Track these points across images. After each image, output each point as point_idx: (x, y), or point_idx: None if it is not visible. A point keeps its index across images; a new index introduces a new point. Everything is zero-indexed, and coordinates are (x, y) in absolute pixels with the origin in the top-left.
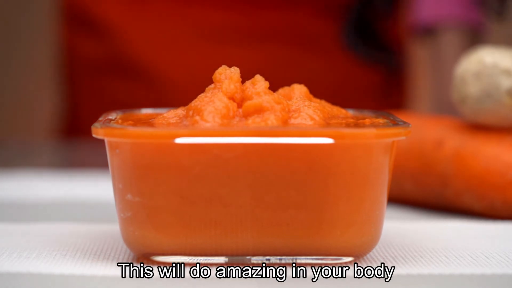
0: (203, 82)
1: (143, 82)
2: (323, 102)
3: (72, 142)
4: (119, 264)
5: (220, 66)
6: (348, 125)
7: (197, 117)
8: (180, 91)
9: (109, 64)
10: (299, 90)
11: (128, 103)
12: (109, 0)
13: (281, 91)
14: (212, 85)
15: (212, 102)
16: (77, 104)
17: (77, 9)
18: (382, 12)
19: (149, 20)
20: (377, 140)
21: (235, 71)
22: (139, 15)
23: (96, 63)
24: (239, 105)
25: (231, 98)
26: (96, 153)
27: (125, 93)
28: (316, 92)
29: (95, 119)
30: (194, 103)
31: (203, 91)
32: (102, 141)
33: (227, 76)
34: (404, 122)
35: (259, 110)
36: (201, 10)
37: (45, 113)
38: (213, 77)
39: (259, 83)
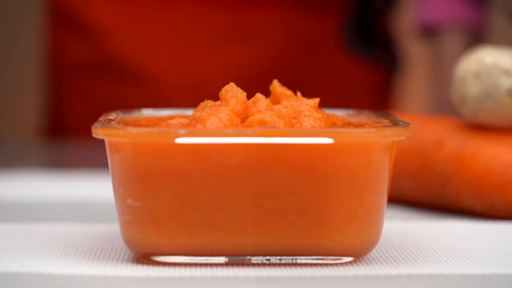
0: (193, 82)
1: (132, 83)
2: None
3: (62, 142)
4: (119, 264)
5: (212, 66)
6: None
7: (199, 126)
8: (170, 92)
9: (98, 65)
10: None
11: (117, 104)
12: (98, 0)
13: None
14: (218, 102)
15: (216, 113)
16: (65, 105)
17: (65, 10)
18: (380, 9)
19: (138, 20)
20: (377, 140)
21: (241, 91)
22: (128, 16)
23: (84, 64)
24: (242, 121)
25: (236, 115)
26: (91, 154)
27: (114, 94)
28: (314, 91)
29: (83, 119)
30: (198, 114)
31: (193, 91)
32: (95, 142)
33: (234, 95)
34: (404, 122)
35: (262, 124)
36: (191, 9)
37: (33, 114)
38: (220, 94)
39: (260, 101)
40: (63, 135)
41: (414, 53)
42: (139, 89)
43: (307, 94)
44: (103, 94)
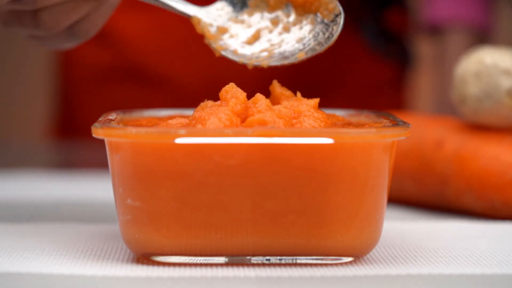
0: (212, 88)
1: (149, 88)
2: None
3: (70, 143)
4: (119, 264)
5: (232, 71)
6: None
7: (199, 126)
8: (188, 97)
9: (113, 70)
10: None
11: (130, 107)
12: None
13: (286, 103)
14: (218, 102)
15: (216, 113)
16: (80, 109)
17: None
18: (393, 5)
19: (156, 26)
20: (377, 141)
21: (241, 92)
22: (145, 21)
23: (100, 68)
24: (242, 121)
25: (236, 115)
26: (95, 154)
27: (130, 99)
28: (329, 89)
29: (95, 120)
30: (198, 114)
31: (212, 97)
32: (101, 142)
33: (234, 95)
34: (404, 122)
35: (262, 124)
36: None
37: (46, 117)
38: (220, 94)
39: (260, 101)
40: (75, 138)
41: (428, 50)
42: (156, 94)
43: (327, 94)
44: (118, 99)
